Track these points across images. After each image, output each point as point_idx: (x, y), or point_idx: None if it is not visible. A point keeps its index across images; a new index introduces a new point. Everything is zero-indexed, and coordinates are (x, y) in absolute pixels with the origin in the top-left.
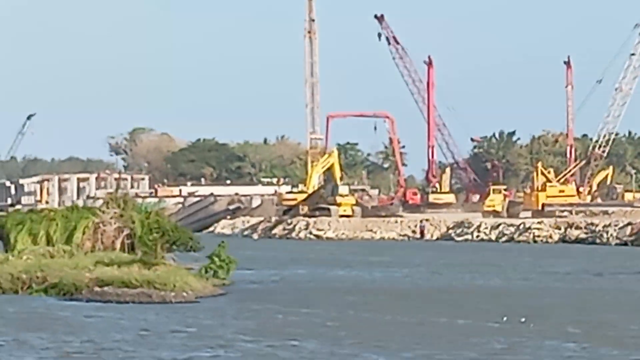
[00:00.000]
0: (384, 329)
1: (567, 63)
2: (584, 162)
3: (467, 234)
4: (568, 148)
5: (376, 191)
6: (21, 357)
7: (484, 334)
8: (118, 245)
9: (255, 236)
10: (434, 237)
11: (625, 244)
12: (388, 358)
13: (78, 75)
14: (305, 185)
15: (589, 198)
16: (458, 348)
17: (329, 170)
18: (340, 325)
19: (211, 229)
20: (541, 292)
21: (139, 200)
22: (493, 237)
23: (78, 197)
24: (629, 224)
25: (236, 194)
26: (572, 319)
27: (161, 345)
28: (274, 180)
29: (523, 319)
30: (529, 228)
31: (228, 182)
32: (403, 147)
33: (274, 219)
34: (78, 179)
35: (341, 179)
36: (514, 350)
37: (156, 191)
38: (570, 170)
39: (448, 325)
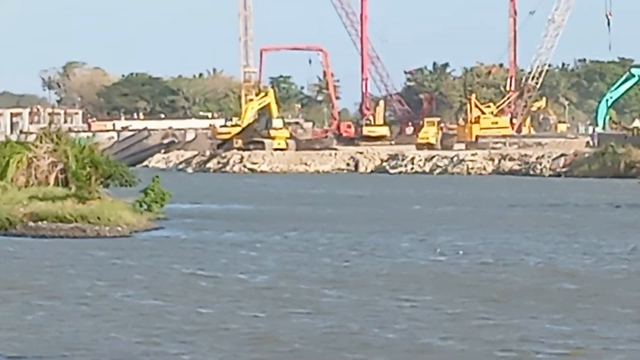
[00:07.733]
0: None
1: None
2: (517, 93)
3: (401, 166)
4: (509, 79)
5: (310, 124)
6: None
7: None
8: (52, 180)
9: (189, 170)
10: (368, 170)
11: (559, 175)
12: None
13: (9, 8)
14: (239, 119)
15: (523, 129)
16: None
17: (266, 108)
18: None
19: (145, 163)
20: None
21: (73, 135)
22: (427, 169)
23: (11, 132)
24: (562, 155)
25: (170, 127)
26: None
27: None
28: (209, 114)
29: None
30: (463, 160)
31: (162, 116)
32: (337, 80)
33: (208, 152)
34: (11, 113)
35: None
36: None
37: (89, 126)
38: (504, 102)
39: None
